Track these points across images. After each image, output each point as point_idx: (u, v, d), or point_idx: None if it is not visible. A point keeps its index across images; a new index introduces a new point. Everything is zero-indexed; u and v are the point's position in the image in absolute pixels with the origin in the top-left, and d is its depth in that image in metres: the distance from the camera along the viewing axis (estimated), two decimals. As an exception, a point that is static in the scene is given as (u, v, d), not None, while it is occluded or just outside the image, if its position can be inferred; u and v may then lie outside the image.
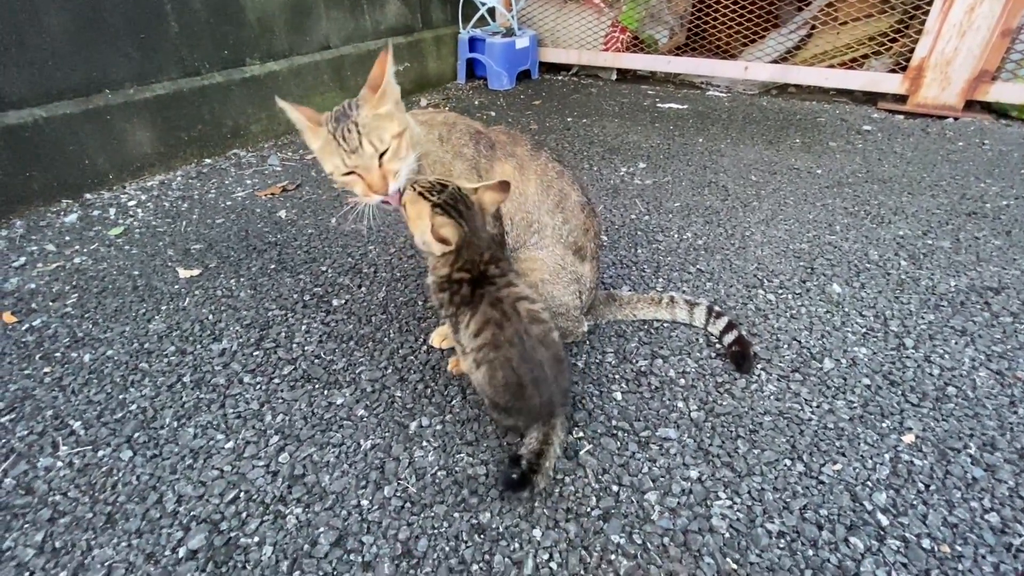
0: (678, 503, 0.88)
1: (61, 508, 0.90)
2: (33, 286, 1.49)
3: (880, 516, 0.86)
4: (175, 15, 2.16)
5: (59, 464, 0.97)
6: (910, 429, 1.01)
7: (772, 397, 1.08)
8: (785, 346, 1.22)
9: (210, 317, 1.35)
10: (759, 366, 1.16)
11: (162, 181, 2.15)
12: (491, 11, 3.52)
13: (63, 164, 1.95)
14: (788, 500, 0.89)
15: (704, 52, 3.46)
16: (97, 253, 1.65)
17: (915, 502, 0.88)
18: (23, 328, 1.32)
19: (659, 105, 3.05)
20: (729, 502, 0.88)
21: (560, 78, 3.72)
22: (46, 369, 1.19)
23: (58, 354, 1.24)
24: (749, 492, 0.90)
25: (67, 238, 1.73)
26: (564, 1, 3.57)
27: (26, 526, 0.87)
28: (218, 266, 1.57)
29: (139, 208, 1.94)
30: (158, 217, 1.88)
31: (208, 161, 2.34)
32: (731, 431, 1.01)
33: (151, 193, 2.05)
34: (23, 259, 1.62)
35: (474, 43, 3.46)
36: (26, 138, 1.85)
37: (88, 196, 2.00)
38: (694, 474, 0.93)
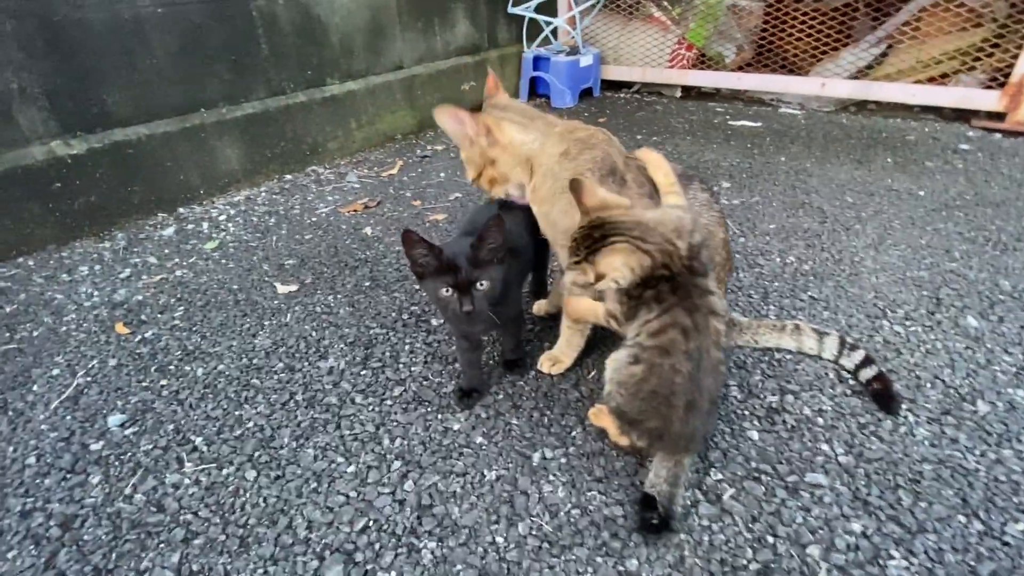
0: (846, 560, 0.80)
1: (193, 528, 0.89)
2: (140, 298, 1.53)
3: (1086, 588, 0.76)
4: (266, 38, 2.24)
5: (186, 481, 0.97)
6: (1097, 486, 0.90)
7: (926, 442, 0.99)
8: (928, 385, 1.12)
9: (313, 334, 1.35)
10: (904, 406, 1.07)
11: (248, 196, 2.21)
12: (555, 30, 3.53)
13: (161, 179, 2.03)
14: (973, 563, 0.79)
15: (771, 68, 3.36)
16: (196, 266, 1.70)
17: (1124, 574, 0.77)
18: (136, 340, 1.35)
19: (731, 122, 2.97)
20: (905, 562, 0.79)
21: (622, 95, 3.68)
22: (163, 382, 1.21)
23: (172, 367, 1.26)
24: (926, 551, 0.81)
25: (166, 251, 1.79)
26: (628, 19, 3.55)
27: (161, 546, 0.86)
28: (313, 282, 1.58)
29: (229, 223, 1.99)
30: (248, 231, 1.92)
31: (288, 177, 2.40)
32: (888, 480, 0.92)
33: (239, 208, 2.10)
34: (128, 271, 1.67)
35: (538, 62, 3.47)
36: (129, 154, 1.93)
37: (181, 210, 2.07)
38: (857, 527, 0.85)
